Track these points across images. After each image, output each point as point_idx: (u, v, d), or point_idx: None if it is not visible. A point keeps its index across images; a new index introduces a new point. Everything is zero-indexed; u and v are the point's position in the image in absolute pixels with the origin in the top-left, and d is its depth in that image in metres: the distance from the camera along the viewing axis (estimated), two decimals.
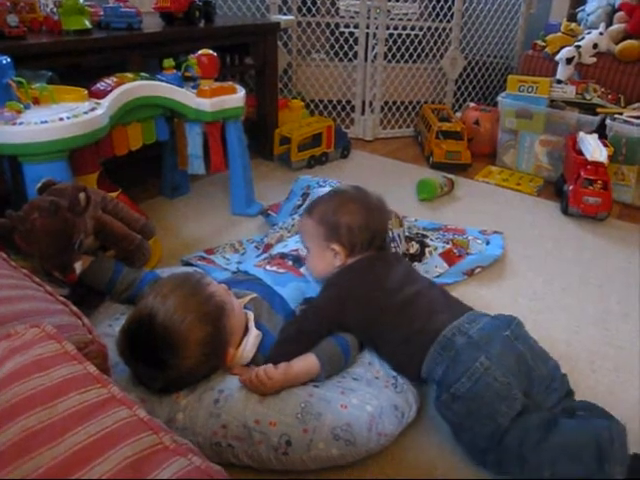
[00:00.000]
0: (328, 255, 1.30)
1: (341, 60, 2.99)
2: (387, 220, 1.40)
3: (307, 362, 1.15)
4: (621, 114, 2.35)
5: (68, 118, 1.39)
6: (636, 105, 2.49)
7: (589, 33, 2.69)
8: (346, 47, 2.91)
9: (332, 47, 3.04)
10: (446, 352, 1.10)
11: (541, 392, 1.09)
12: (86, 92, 1.55)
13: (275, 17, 2.70)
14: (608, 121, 2.31)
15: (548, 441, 0.98)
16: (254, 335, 1.20)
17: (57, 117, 1.38)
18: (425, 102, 3.12)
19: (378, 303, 1.20)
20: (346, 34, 2.93)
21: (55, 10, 1.79)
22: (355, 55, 2.92)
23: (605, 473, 0.95)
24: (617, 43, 2.65)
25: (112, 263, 1.38)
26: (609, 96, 2.54)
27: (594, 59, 2.66)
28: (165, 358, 1.05)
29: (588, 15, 2.93)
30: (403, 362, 1.18)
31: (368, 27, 2.84)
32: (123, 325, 1.11)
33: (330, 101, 3.03)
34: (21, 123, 1.34)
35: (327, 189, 1.82)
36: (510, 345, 1.09)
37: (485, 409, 1.03)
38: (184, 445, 0.54)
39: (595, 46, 2.64)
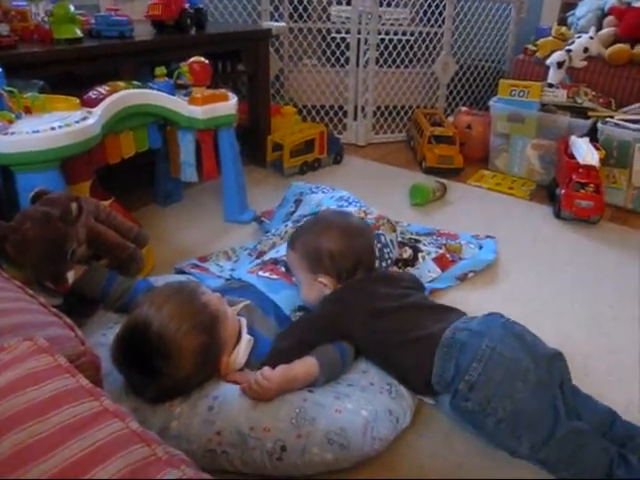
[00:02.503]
0: (317, 286, 1.30)
1: (333, 66, 3.00)
2: (371, 242, 1.39)
3: (307, 365, 1.16)
4: (612, 117, 2.37)
5: (60, 127, 1.39)
6: (627, 108, 2.50)
7: (579, 37, 2.71)
8: (338, 53, 2.92)
9: (324, 53, 3.05)
10: (452, 349, 1.11)
11: (547, 366, 1.10)
12: (78, 101, 1.55)
13: (266, 23, 2.71)
14: (599, 124, 2.33)
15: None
16: (246, 341, 1.21)
17: (49, 126, 1.38)
18: (417, 107, 3.14)
19: (378, 311, 1.20)
20: (338, 40, 2.94)
21: (46, 19, 1.79)
22: (347, 61, 2.93)
23: None
24: (607, 47, 2.67)
25: (105, 272, 1.38)
26: (600, 99, 2.56)
27: (585, 63, 2.68)
28: (159, 366, 1.05)
29: (578, 19, 2.95)
30: (411, 369, 1.17)
31: (359, 32, 2.85)
32: (117, 332, 1.11)
33: (322, 107, 3.04)
34: (13, 133, 1.34)
35: (320, 195, 1.82)
36: (509, 327, 1.13)
37: (502, 389, 1.04)
38: (177, 456, 0.54)
39: (585, 50, 2.66)
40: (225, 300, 1.24)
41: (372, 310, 1.21)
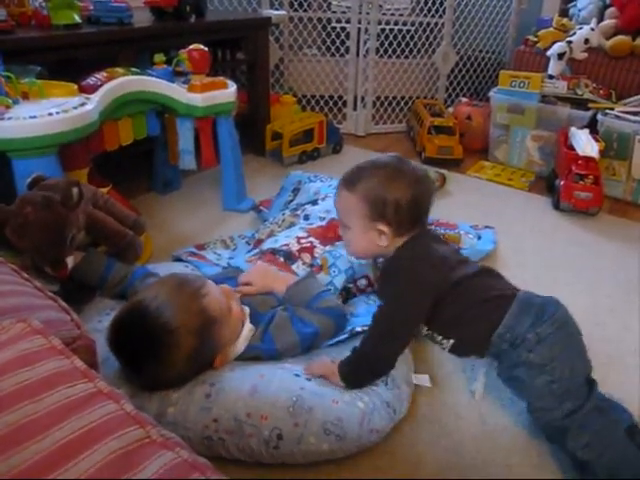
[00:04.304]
0: (372, 235, 1.17)
1: (333, 55, 2.98)
2: (433, 191, 1.26)
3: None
4: (612, 109, 2.36)
5: (57, 113, 1.38)
6: (627, 100, 2.50)
7: (580, 28, 2.69)
8: (338, 42, 2.91)
9: (324, 42, 3.03)
10: (528, 308, 1.12)
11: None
12: (76, 87, 1.54)
13: (267, 12, 2.69)
14: (599, 116, 2.32)
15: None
16: (247, 330, 1.20)
17: (46, 112, 1.37)
18: (417, 97, 3.12)
19: (447, 282, 1.15)
20: (338, 29, 2.93)
21: (44, 4, 1.78)
22: (347, 50, 2.91)
23: None
24: (608, 38, 2.65)
25: (103, 259, 1.38)
26: (600, 91, 2.55)
27: (585, 54, 2.66)
28: (148, 363, 1.05)
29: (579, 10, 2.93)
30: (472, 330, 1.16)
31: (360, 22, 2.84)
32: (115, 316, 1.10)
33: (322, 96, 3.03)
34: (10, 118, 1.33)
35: (318, 184, 1.82)
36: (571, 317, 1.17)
37: (566, 355, 1.09)
38: (171, 439, 0.54)
39: (586, 41, 2.64)
40: (232, 291, 1.24)
41: (446, 284, 1.15)
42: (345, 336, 1.25)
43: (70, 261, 1.30)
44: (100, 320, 1.25)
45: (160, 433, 0.53)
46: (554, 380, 1.07)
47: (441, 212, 2.08)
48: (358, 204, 1.16)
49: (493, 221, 2.02)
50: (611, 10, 2.77)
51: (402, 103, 3.09)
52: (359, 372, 1.13)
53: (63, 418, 0.51)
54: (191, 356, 1.06)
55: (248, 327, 1.21)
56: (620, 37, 2.63)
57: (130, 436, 0.51)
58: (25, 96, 1.45)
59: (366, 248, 1.21)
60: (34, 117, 1.35)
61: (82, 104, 1.46)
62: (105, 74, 1.64)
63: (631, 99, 2.50)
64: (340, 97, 3.02)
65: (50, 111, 1.38)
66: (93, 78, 1.62)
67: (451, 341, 1.18)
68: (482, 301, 1.15)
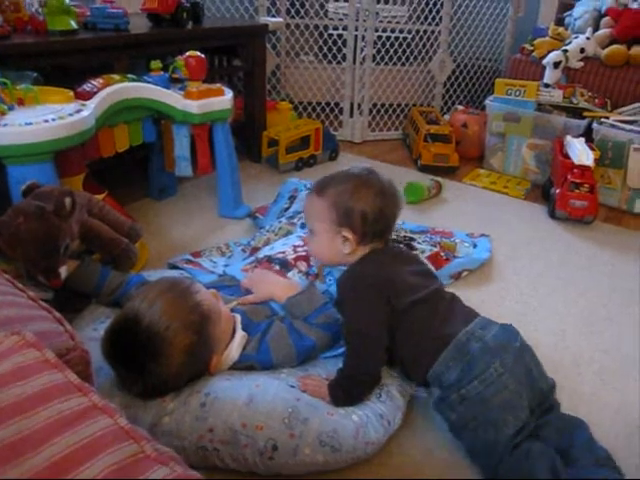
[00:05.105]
0: (337, 241, 1.20)
1: (330, 62, 2.99)
2: (399, 207, 1.26)
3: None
4: (608, 118, 2.37)
5: (53, 120, 1.38)
6: (622, 109, 2.51)
7: (576, 37, 2.72)
8: (335, 49, 2.91)
9: (321, 49, 3.04)
10: (460, 356, 1.09)
11: (537, 407, 1.10)
12: (72, 93, 1.54)
13: (264, 19, 2.69)
14: (595, 125, 2.33)
15: None
16: (239, 337, 1.20)
17: (42, 118, 1.36)
18: (413, 105, 3.13)
19: (396, 303, 1.14)
20: (335, 36, 2.94)
21: (40, 10, 1.78)
22: (344, 57, 2.92)
23: None
24: (604, 48, 2.67)
25: (98, 267, 1.37)
26: (596, 100, 2.56)
27: (581, 63, 2.68)
28: (147, 363, 1.04)
29: (575, 20, 2.95)
30: (410, 364, 1.17)
31: (357, 29, 2.85)
32: (108, 325, 1.10)
33: (319, 103, 3.03)
34: (5, 124, 1.32)
35: None
36: (521, 357, 1.10)
37: (491, 415, 1.04)
38: (166, 453, 0.54)
39: (582, 50, 2.66)
40: (220, 297, 1.24)
41: (393, 304, 1.14)
42: (342, 349, 1.25)
43: (64, 270, 1.28)
44: (95, 328, 1.24)
45: (154, 447, 0.53)
46: (477, 437, 1.05)
47: (437, 220, 2.09)
48: (326, 209, 1.20)
49: (489, 229, 2.02)
50: (606, 19, 2.78)
51: (398, 110, 3.10)
52: (346, 392, 1.13)
53: (57, 433, 0.50)
54: (188, 353, 1.06)
55: (240, 334, 1.21)
56: (615, 46, 2.64)
57: (124, 451, 0.51)
58: (21, 102, 1.44)
59: (330, 254, 1.24)
60: (30, 123, 1.34)
61: (78, 111, 1.46)
62: (101, 80, 1.63)
63: (626, 108, 2.51)
64: (336, 104, 3.02)
65: (46, 117, 1.37)
66: (89, 84, 1.61)
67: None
68: (418, 340, 1.14)
